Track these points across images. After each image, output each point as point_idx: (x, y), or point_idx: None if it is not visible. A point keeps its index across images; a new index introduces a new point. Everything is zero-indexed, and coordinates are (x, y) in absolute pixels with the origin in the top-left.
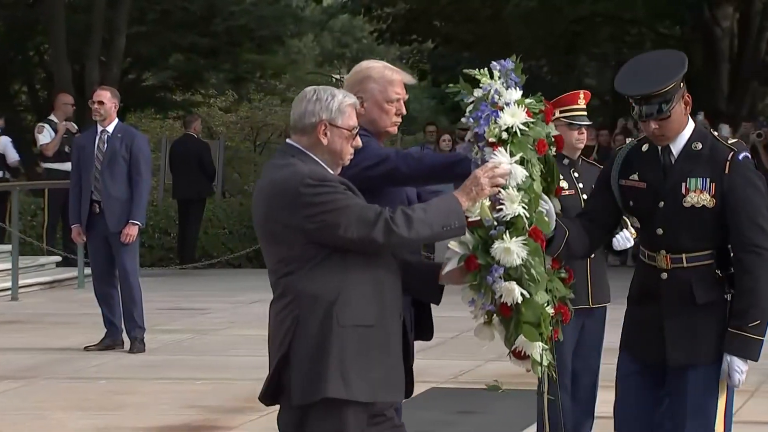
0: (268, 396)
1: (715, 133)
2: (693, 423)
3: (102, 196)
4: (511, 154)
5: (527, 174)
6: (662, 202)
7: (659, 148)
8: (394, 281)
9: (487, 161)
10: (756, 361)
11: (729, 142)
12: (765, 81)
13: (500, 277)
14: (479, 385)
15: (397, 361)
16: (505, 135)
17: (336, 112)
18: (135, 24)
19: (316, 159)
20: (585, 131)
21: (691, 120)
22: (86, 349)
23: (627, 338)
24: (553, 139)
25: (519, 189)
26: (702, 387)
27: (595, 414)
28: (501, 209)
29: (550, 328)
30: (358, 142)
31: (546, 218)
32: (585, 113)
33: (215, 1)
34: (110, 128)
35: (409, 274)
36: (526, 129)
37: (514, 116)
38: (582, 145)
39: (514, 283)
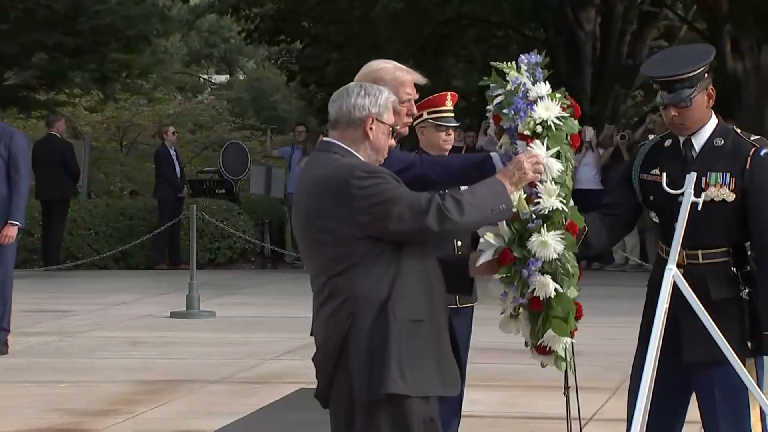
0: (326, 398)
1: (738, 130)
2: (726, 424)
3: None
4: (548, 148)
5: (563, 168)
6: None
7: (681, 143)
8: (440, 276)
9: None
10: None
11: (752, 138)
12: (626, 83)
13: (536, 271)
14: None
15: (448, 354)
16: (539, 129)
17: (383, 108)
18: None
19: (358, 156)
20: (452, 132)
21: (714, 115)
22: None
23: (643, 333)
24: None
25: (556, 182)
26: (731, 386)
27: (462, 413)
28: (538, 202)
29: (575, 324)
30: (392, 141)
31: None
32: (452, 115)
33: None
34: None
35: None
36: (560, 123)
37: (548, 110)
38: (450, 146)
39: (549, 277)
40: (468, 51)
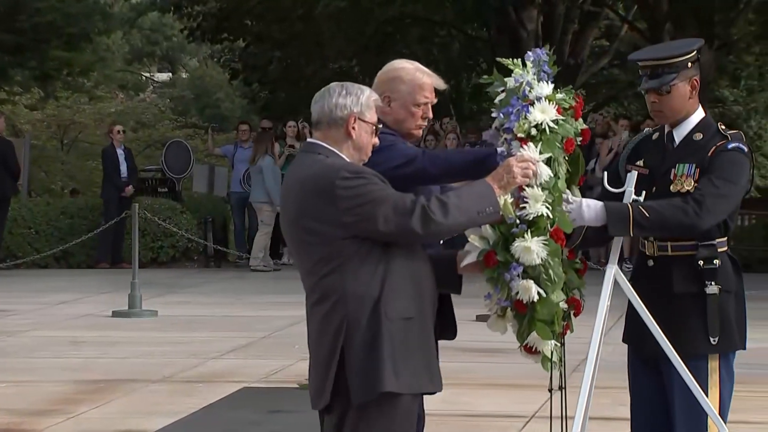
0: (322, 400)
1: (723, 127)
2: (683, 418)
3: None
4: (539, 152)
5: (552, 173)
6: (654, 188)
7: (665, 135)
8: (429, 273)
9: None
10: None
11: (728, 132)
12: (568, 83)
13: (518, 276)
14: (290, 384)
15: (434, 351)
16: (534, 131)
17: (364, 107)
18: None
19: (342, 156)
20: None
21: (701, 110)
22: None
23: (625, 329)
24: (579, 131)
25: (543, 188)
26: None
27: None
28: (524, 207)
29: (563, 323)
30: (376, 140)
31: (568, 217)
32: None
33: None
34: None
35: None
36: (555, 126)
37: (544, 112)
38: None
39: (532, 281)
40: (411, 50)
